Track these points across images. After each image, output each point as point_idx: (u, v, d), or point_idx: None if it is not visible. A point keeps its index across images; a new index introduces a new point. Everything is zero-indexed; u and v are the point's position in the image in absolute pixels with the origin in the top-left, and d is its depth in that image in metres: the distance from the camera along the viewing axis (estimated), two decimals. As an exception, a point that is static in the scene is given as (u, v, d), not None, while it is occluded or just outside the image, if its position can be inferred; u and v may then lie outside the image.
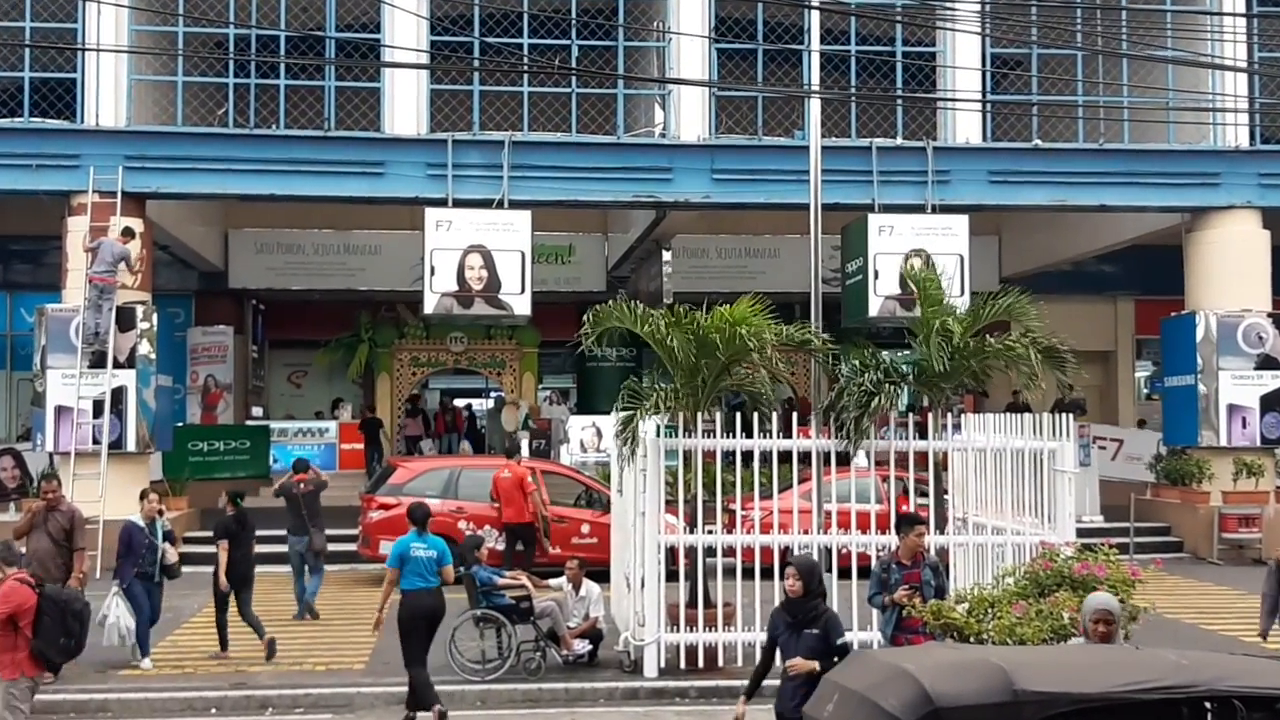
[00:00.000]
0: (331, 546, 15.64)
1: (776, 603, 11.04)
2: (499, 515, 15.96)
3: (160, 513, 11.72)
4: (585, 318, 11.47)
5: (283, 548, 16.10)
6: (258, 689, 10.93)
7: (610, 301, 11.61)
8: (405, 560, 10.14)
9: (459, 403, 30.09)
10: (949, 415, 11.79)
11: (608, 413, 13.20)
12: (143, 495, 11.96)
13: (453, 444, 26.93)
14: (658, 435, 10.99)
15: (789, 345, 11.75)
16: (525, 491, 15.80)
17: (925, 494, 12.71)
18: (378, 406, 26.30)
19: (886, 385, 11.36)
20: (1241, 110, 19.06)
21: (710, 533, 11.33)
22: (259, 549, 17.31)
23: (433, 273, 17.37)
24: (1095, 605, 5.95)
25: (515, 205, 17.61)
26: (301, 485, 14.78)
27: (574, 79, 18.28)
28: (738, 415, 11.29)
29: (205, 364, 24.69)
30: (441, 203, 17.55)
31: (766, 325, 11.11)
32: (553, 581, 12.22)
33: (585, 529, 16.42)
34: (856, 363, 11.82)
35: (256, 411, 26.23)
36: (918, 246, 18.13)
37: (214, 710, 10.60)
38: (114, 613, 10.91)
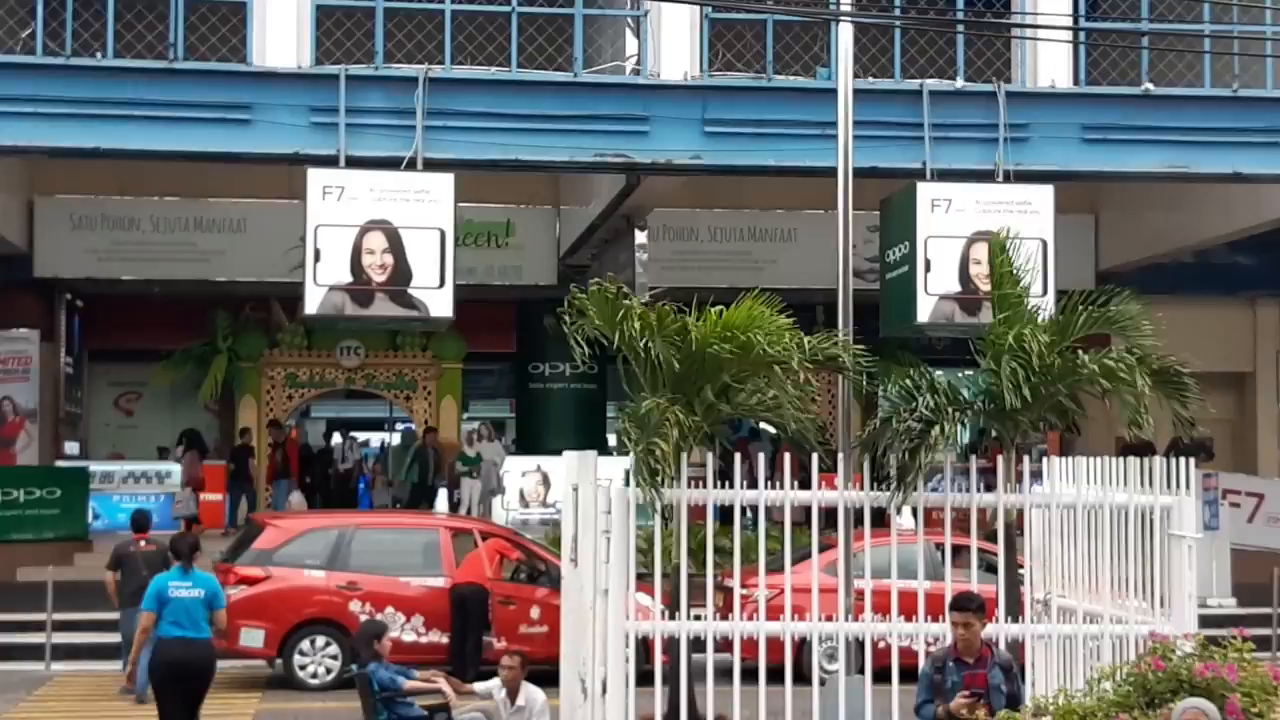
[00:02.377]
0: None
1: (789, 715, 11.11)
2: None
3: None
4: (558, 309, 11.50)
5: (107, 636, 16.01)
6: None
7: (570, 298, 11.62)
8: (163, 602, 10.81)
9: (353, 435, 30.02)
10: (1026, 458, 11.84)
11: (558, 452, 13.13)
12: None
13: (279, 496, 25.50)
14: (626, 483, 10.99)
15: (811, 362, 11.78)
16: (499, 554, 16.64)
17: (992, 566, 12.76)
18: (238, 439, 26.17)
19: (949, 413, 11.43)
20: None
21: (699, 618, 11.33)
22: (72, 638, 17.35)
23: (317, 258, 17.32)
24: (1187, 713, 5.99)
25: (433, 166, 17.59)
26: (141, 544, 15.80)
27: (515, -7, 18.32)
28: (736, 457, 11.32)
29: (0, 381, 24.52)
30: (330, 161, 17.52)
31: (788, 330, 11.16)
32: (480, 686, 12.18)
33: (535, 613, 16.47)
34: (904, 383, 11.87)
35: (71, 448, 26.05)
36: (984, 228, 18.17)
37: None
38: None
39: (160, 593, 11.02)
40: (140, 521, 16.32)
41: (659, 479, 10.71)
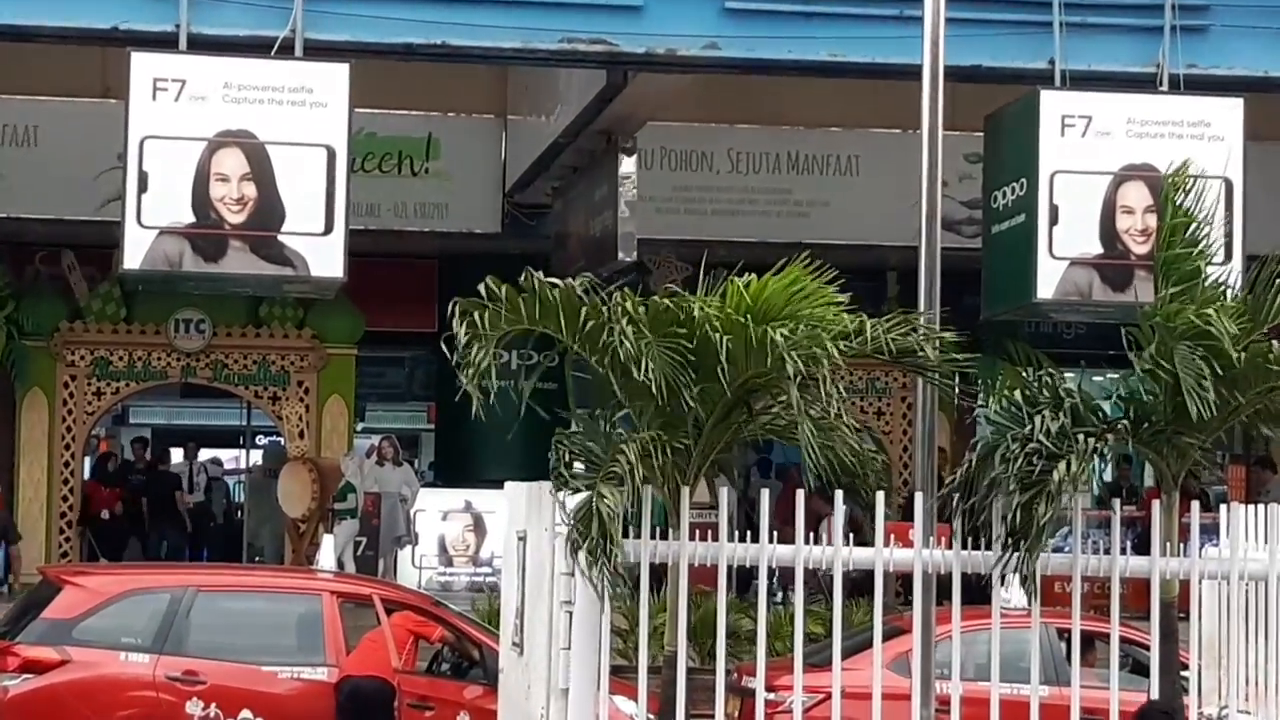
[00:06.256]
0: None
1: None
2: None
3: None
4: (459, 296, 11.41)
5: None
6: None
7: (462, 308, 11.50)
8: None
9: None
10: (1196, 505, 11.83)
11: (498, 484, 13.07)
12: None
13: None
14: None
15: (874, 358, 11.74)
16: (411, 633, 16.59)
17: (1142, 665, 12.78)
18: (21, 451, 26.18)
19: (1082, 440, 11.38)
20: None
21: (703, 734, 11.36)
22: None
23: (143, 187, 17.30)
24: None
25: (317, 52, 17.59)
26: None
27: None
28: (764, 495, 11.29)
29: None
30: (166, 42, 17.50)
31: (830, 319, 11.08)
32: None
33: (463, 720, 16.53)
34: (1016, 394, 11.81)
35: None
36: (1140, 160, 18.22)
37: None
38: None
39: None
40: None
41: (609, 547, 10.57)
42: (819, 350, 10.72)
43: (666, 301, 11.08)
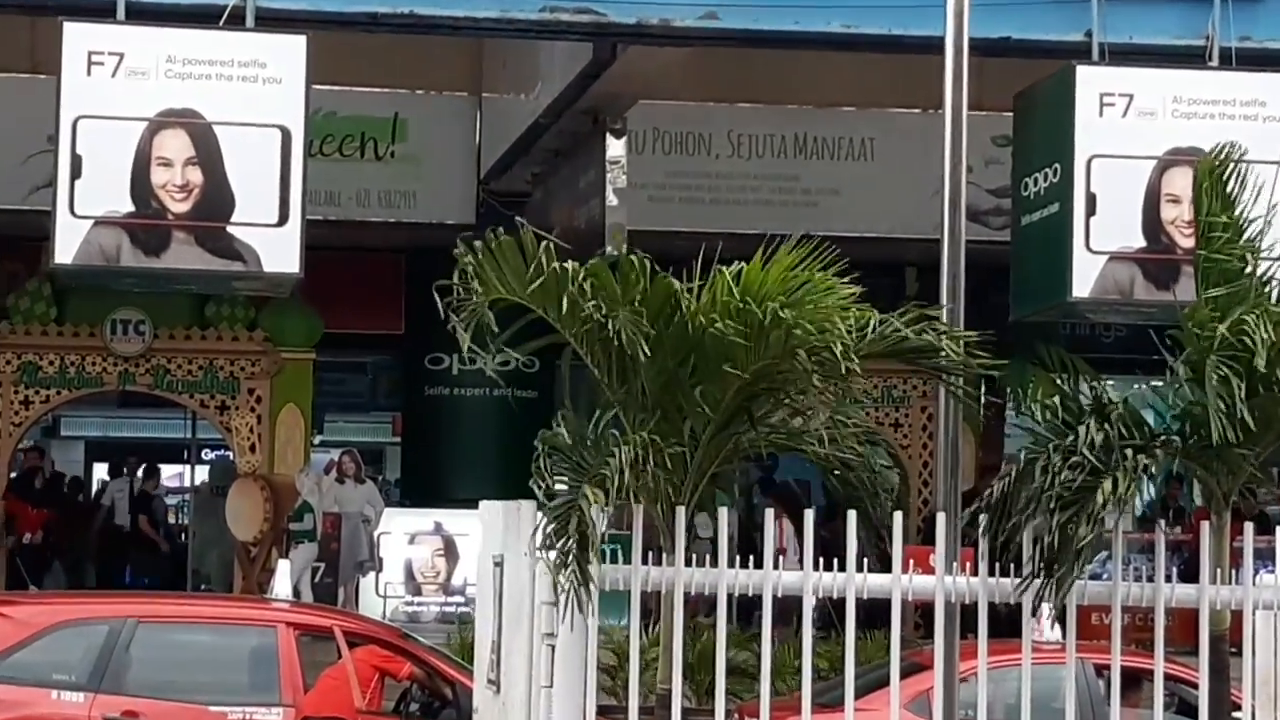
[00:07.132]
0: None
1: None
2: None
3: None
4: (439, 281, 11.38)
5: None
6: None
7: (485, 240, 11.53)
8: None
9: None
10: (1249, 526, 11.81)
11: (471, 504, 13.04)
12: None
13: None
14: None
15: (891, 357, 11.71)
16: (375, 669, 16.56)
17: (1189, 705, 12.78)
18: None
19: (1130, 456, 11.33)
20: None
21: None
22: None
23: (76, 173, 17.28)
24: None
25: (271, 22, 17.58)
26: None
27: None
28: (769, 516, 11.28)
29: None
30: (103, 10, 17.49)
31: (849, 302, 11.04)
32: None
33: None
34: (1053, 404, 11.77)
35: None
36: (1187, 143, 18.23)
37: None
38: None
39: None
40: None
41: (586, 558, 10.53)
42: (829, 335, 10.60)
43: (665, 282, 11.03)
